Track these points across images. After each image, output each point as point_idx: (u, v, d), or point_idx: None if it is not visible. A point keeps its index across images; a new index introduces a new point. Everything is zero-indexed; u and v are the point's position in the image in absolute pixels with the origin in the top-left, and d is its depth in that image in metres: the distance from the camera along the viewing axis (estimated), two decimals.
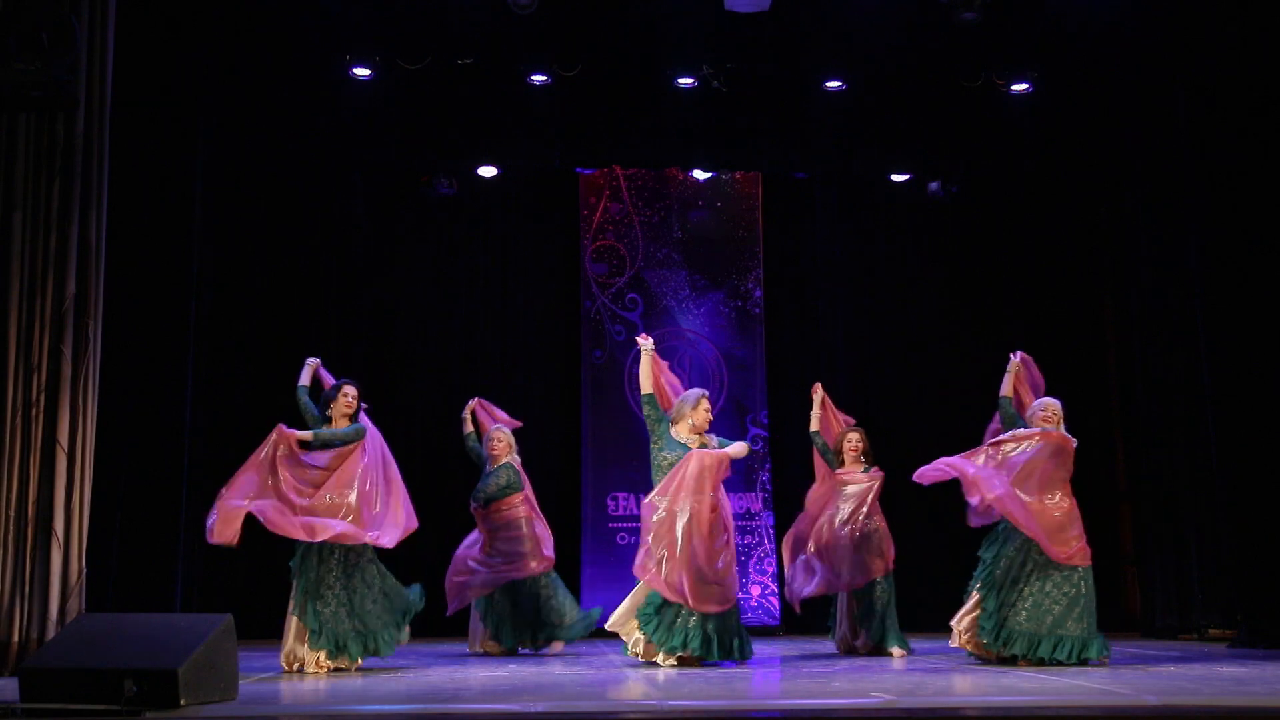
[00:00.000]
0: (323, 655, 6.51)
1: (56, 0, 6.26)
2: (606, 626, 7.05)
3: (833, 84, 9.87)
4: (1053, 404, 7.15)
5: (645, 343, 7.16)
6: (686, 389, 7.20)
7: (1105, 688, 5.30)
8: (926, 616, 9.19)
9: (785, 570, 8.10)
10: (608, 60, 9.66)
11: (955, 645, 7.05)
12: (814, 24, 9.11)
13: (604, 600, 8.79)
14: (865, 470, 7.98)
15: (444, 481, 9.87)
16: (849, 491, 7.90)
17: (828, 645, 8.22)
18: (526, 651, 7.99)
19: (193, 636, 4.81)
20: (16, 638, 6.33)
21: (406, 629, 7.06)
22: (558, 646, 8.01)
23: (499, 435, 8.17)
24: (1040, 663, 6.57)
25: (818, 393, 8.31)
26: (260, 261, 10.32)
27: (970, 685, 5.65)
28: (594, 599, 9.59)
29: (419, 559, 8.67)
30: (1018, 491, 6.73)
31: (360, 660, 6.64)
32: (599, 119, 10.14)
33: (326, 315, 10.54)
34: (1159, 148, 9.64)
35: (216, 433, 9.76)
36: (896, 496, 8.30)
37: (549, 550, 8.08)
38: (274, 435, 6.70)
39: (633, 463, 10.36)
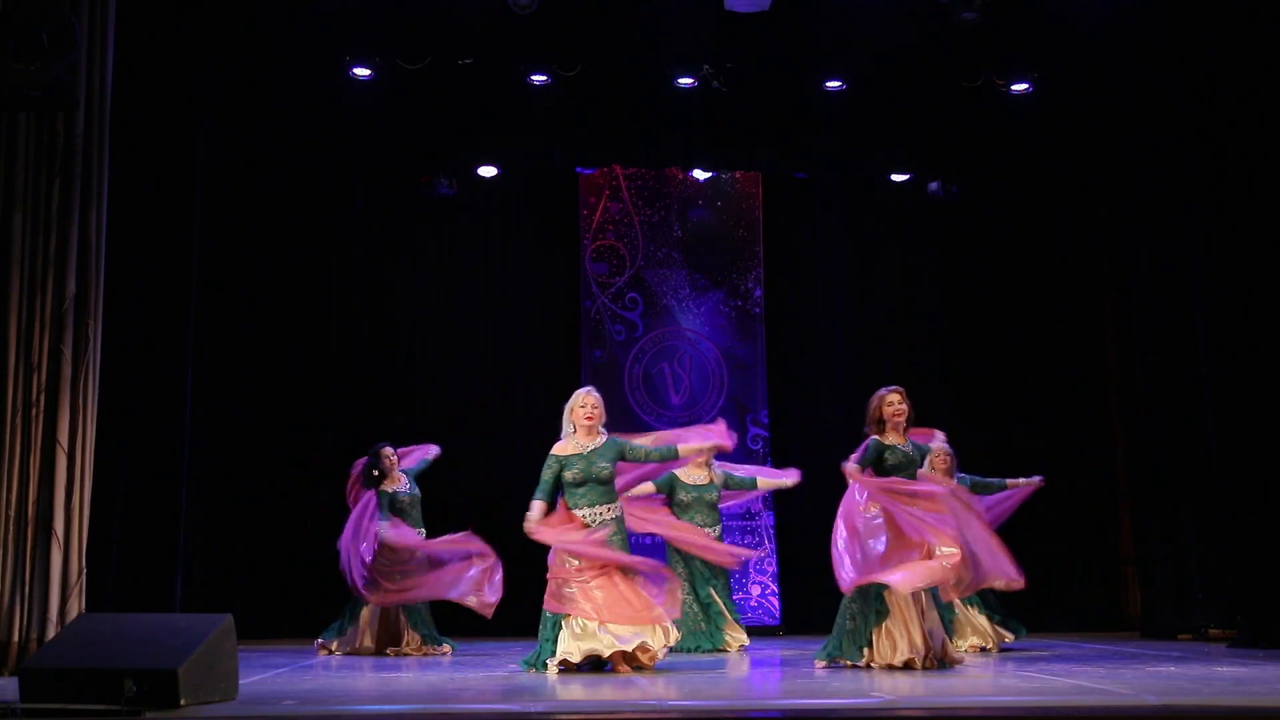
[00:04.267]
0: None
1: (56, 0, 6.25)
2: None
3: (833, 84, 9.87)
4: None
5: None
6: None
7: (1105, 688, 5.30)
8: None
9: None
10: (608, 60, 9.65)
11: None
12: (814, 24, 9.10)
13: None
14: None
15: (445, 479, 9.85)
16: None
17: None
18: None
19: (193, 636, 4.80)
20: (16, 638, 6.33)
21: None
22: None
23: None
24: None
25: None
26: (260, 261, 10.31)
27: (970, 685, 5.65)
28: None
29: None
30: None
31: None
32: (599, 119, 10.13)
33: (326, 315, 10.54)
34: (1159, 147, 9.63)
35: (216, 433, 9.77)
36: None
37: None
38: None
39: None
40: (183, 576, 8.79)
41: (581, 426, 6.58)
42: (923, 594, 6.47)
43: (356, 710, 4.84)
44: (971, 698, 5.05)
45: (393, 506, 8.15)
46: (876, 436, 6.71)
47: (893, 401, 6.72)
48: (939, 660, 6.44)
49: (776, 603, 10.58)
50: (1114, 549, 10.84)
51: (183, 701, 4.59)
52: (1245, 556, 8.29)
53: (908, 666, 6.35)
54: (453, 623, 8.79)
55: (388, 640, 8.09)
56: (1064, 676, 5.93)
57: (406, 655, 7.96)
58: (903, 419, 6.71)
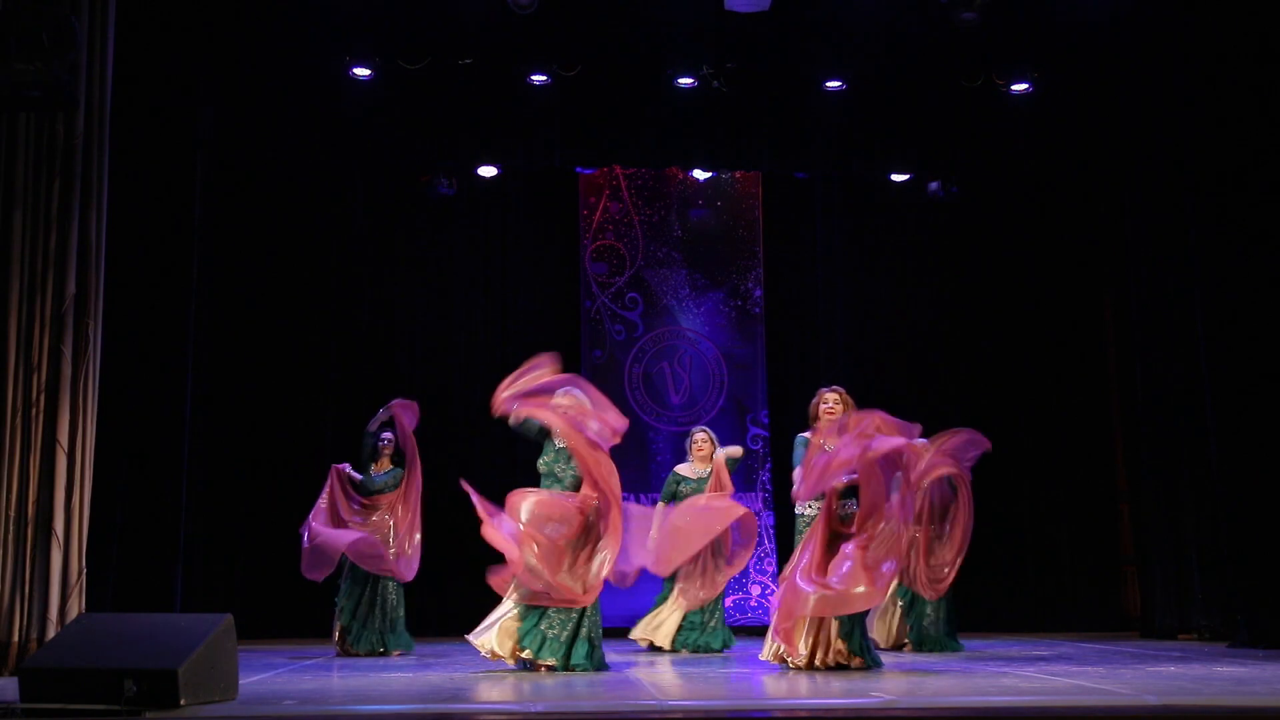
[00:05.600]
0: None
1: (56, 0, 6.25)
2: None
3: (833, 84, 9.87)
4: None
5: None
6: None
7: (1105, 688, 5.31)
8: None
9: None
10: (608, 60, 9.65)
11: None
12: (814, 24, 9.11)
13: (604, 600, 8.77)
14: None
15: (444, 479, 9.84)
16: None
17: None
18: None
19: (193, 636, 4.81)
20: (16, 638, 6.33)
21: None
22: None
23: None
24: None
25: None
26: (260, 261, 10.32)
27: (970, 685, 5.65)
28: None
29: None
30: None
31: None
32: (599, 119, 10.13)
33: (326, 315, 10.54)
34: (1159, 147, 9.63)
35: (216, 433, 9.77)
36: None
37: None
38: None
39: (633, 462, 10.35)
40: (183, 576, 8.79)
41: None
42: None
43: (356, 710, 4.84)
44: (971, 698, 5.05)
45: (358, 488, 8.29)
46: (807, 434, 6.94)
47: (828, 400, 7.00)
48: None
49: (777, 603, 10.56)
50: (1114, 549, 10.84)
51: (183, 701, 4.60)
52: (1245, 556, 8.28)
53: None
54: (453, 623, 8.78)
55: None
56: (1064, 676, 5.93)
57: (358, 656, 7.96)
58: (835, 418, 6.88)
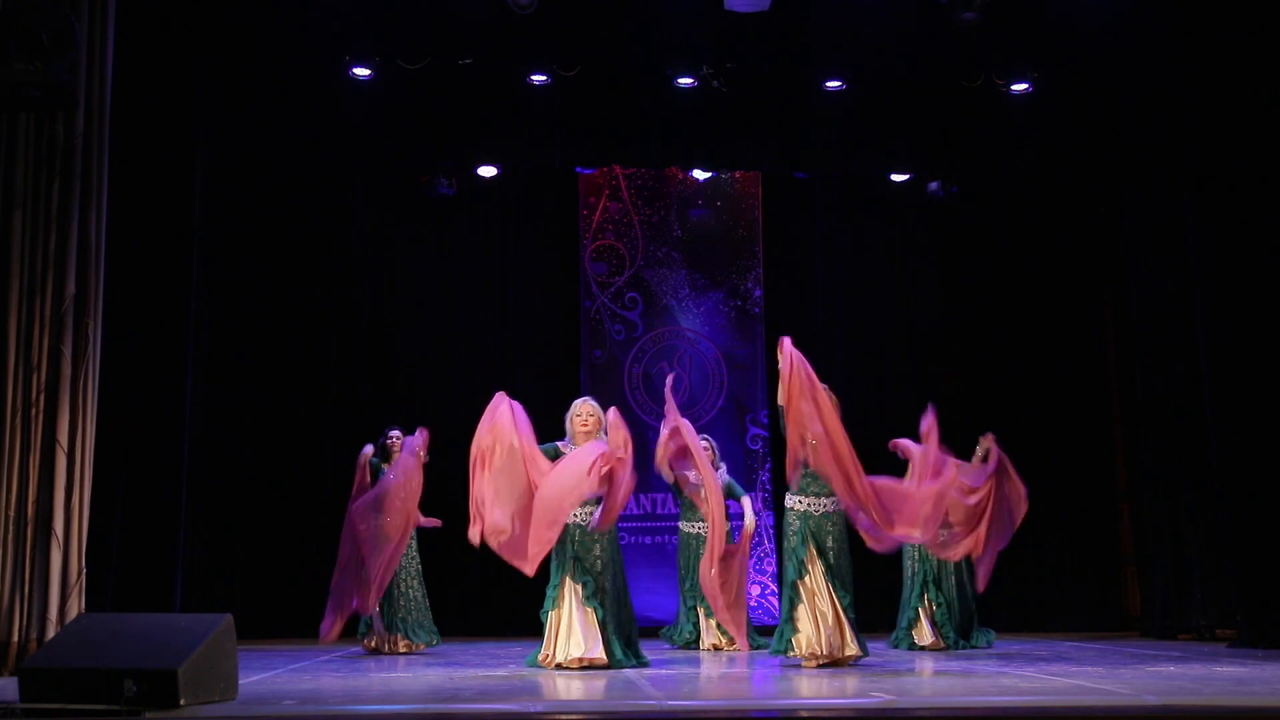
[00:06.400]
0: None
1: (56, 0, 6.26)
2: None
3: (833, 84, 9.88)
4: None
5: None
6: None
7: (1105, 688, 5.31)
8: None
9: None
10: (608, 60, 9.66)
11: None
12: (814, 24, 9.11)
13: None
14: None
15: (444, 479, 9.85)
16: None
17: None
18: None
19: (193, 636, 4.81)
20: (16, 638, 6.34)
21: None
22: None
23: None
24: None
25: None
26: (260, 261, 10.32)
27: (970, 685, 5.65)
28: None
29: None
30: None
31: None
32: (599, 119, 10.14)
33: (326, 315, 10.55)
34: (1159, 147, 9.63)
35: (216, 433, 9.77)
36: None
37: None
38: None
39: (632, 462, 10.33)
40: (183, 576, 8.79)
41: (579, 434, 6.92)
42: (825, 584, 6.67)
43: (356, 710, 4.84)
44: (971, 698, 5.05)
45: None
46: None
47: None
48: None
49: (776, 602, 10.57)
50: (1114, 549, 10.84)
51: (183, 701, 4.60)
52: (1244, 557, 8.28)
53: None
54: (454, 623, 8.78)
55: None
56: (1064, 676, 5.93)
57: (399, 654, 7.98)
58: None
